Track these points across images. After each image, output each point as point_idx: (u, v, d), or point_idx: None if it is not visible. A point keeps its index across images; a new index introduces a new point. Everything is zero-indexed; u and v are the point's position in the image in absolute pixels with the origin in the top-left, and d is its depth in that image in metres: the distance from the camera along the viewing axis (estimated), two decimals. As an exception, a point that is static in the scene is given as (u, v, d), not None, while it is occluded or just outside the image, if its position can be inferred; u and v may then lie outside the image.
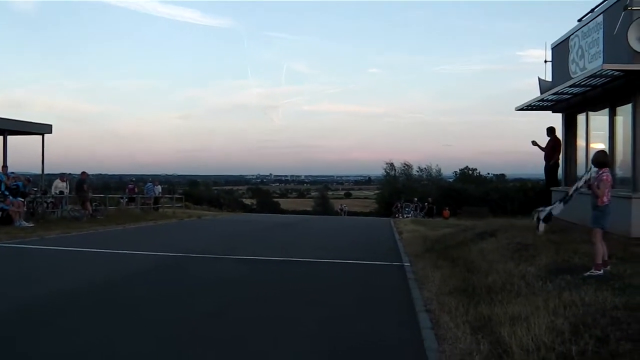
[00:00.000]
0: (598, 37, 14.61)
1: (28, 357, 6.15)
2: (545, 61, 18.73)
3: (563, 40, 17.37)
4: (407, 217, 44.22)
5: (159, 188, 37.00)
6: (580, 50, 15.90)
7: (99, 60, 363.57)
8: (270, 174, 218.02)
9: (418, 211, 47.93)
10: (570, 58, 16.61)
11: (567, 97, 16.20)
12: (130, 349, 6.48)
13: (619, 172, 14.32)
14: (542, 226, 11.23)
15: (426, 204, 49.09)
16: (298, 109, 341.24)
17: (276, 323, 7.83)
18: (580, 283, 8.68)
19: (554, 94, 15.87)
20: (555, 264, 10.41)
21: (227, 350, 6.50)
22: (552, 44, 18.53)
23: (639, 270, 9.37)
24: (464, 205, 49.94)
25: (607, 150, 13.38)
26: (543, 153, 18.05)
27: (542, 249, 11.98)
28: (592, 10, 15.29)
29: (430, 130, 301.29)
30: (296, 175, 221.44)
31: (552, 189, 18.14)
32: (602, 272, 9.25)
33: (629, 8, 12.79)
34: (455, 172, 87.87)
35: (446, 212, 46.70)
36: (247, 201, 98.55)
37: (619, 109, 14.29)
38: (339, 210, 67.34)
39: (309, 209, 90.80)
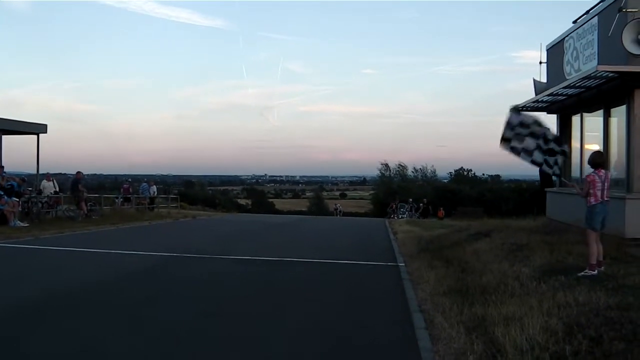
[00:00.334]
0: (593, 39, 14.66)
1: (21, 357, 6.15)
2: (540, 62, 18.80)
3: (558, 42, 17.42)
4: (402, 217, 44.23)
5: (154, 188, 36.94)
6: (575, 51, 15.95)
7: (94, 60, 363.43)
8: (265, 174, 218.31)
9: (413, 212, 47.94)
10: (565, 59, 16.66)
11: (562, 99, 16.23)
12: (124, 348, 6.48)
13: (613, 173, 14.34)
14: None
15: (421, 204, 49.10)
16: (293, 109, 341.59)
17: (270, 323, 7.83)
18: (574, 283, 8.71)
19: (548, 95, 15.90)
20: (550, 265, 10.45)
21: (221, 350, 6.51)
22: (547, 46, 18.58)
23: (632, 270, 9.42)
24: (458, 206, 49.94)
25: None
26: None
27: (537, 250, 12.02)
28: (587, 12, 15.34)
29: (425, 131, 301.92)
30: (291, 176, 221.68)
31: (546, 189, 18.19)
32: (596, 272, 9.29)
33: (624, 10, 12.84)
34: (450, 172, 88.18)
35: (440, 213, 46.74)
36: (242, 201, 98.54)
37: (614, 110, 14.33)
38: (334, 211, 67.01)
39: (304, 209, 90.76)
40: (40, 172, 28.57)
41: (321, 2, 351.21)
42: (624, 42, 12.59)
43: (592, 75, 12.90)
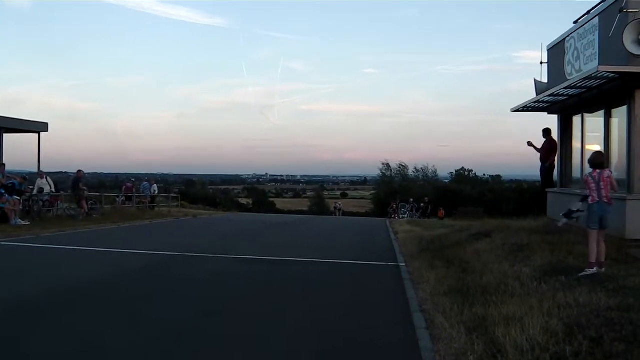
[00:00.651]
0: (594, 39, 14.65)
1: (22, 354, 6.16)
2: (542, 62, 18.76)
3: (559, 42, 17.40)
4: (403, 217, 44.24)
5: (155, 187, 36.96)
6: (576, 51, 15.93)
7: (94, 59, 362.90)
8: (266, 173, 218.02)
9: (414, 212, 47.95)
10: (566, 59, 16.64)
11: (563, 99, 16.22)
12: (124, 345, 6.50)
13: (614, 174, 14.35)
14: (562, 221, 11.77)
15: (422, 204, 49.12)
16: (294, 108, 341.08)
17: (271, 322, 7.84)
18: (575, 284, 8.72)
19: (549, 95, 15.89)
20: (550, 265, 10.45)
21: (222, 348, 6.52)
22: (548, 46, 18.56)
23: (633, 271, 9.43)
24: (459, 206, 49.96)
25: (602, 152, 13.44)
26: (539, 154, 18.12)
27: (537, 250, 12.02)
28: (588, 12, 15.32)
29: (426, 131, 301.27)
30: (292, 175, 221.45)
31: (547, 190, 18.19)
32: (595, 270, 9.32)
33: (625, 10, 12.82)
34: (451, 173, 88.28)
35: (441, 213, 46.76)
36: (243, 201, 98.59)
37: (615, 111, 14.32)
38: (334, 210, 66.53)
39: (304, 209, 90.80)
40: (42, 170, 28.59)
41: (322, 0, 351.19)
42: (624, 42, 12.58)
43: (593, 75, 12.89)
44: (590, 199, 9.72)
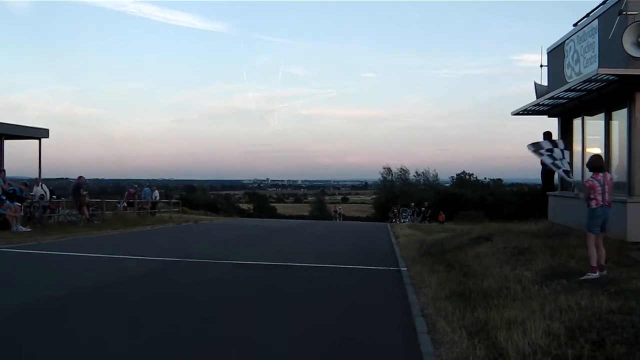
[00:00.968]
0: (593, 42, 14.66)
1: (25, 359, 6.17)
2: (541, 65, 18.78)
3: (559, 45, 17.42)
4: (404, 222, 44.23)
5: (156, 193, 37.03)
6: (575, 54, 15.95)
7: (94, 64, 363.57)
8: (267, 178, 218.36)
9: (415, 216, 47.95)
10: (566, 62, 16.66)
11: (563, 102, 16.23)
12: (125, 351, 6.49)
13: (614, 177, 14.35)
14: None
15: (422, 208, 49.13)
16: (294, 113, 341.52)
17: (272, 327, 7.84)
18: (576, 287, 8.70)
19: (549, 98, 15.90)
20: (552, 269, 10.44)
21: (222, 353, 6.51)
22: (547, 49, 18.58)
23: (634, 274, 9.40)
24: (460, 210, 49.97)
25: (602, 155, 13.43)
26: (540, 160, 18.09)
27: (538, 254, 12.01)
28: (587, 15, 15.34)
29: (426, 135, 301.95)
30: (293, 180, 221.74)
31: (548, 193, 18.19)
32: (597, 274, 9.30)
33: (624, 13, 12.83)
34: (452, 176, 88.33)
35: (441, 217, 46.78)
36: (244, 206, 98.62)
37: (615, 114, 14.32)
38: (334, 214, 66.26)
39: (305, 213, 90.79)
40: (43, 176, 28.58)
41: (321, 5, 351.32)
42: (624, 44, 12.58)
43: (592, 78, 12.90)
44: (594, 203, 9.67)
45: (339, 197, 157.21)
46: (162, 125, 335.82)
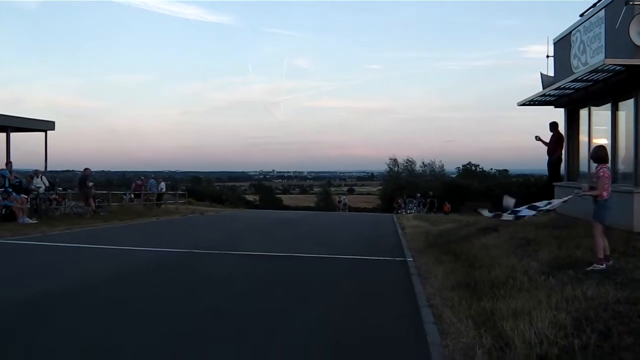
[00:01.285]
0: (600, 32, 14.60)
1: (32, 351, 6.18)
2: (548, 56, 18.74)
3: (565, 35, 17.36)
4: (410, 212, 44.21)
5: (162, 185, 37.11)
6: (582, 45, 15.89)
7: (100, 57, 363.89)
8: (273, 170, 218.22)
9: (421, 207, 47.91)
10: (572, 53, 16.60)
11: (569, 92, 16.19)
12: (134, 343, 6.52)
13: (621, 167, 14.33)
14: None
15: (428, 199, 49.09)
16: (300, 104, 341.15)
17: (279, 317, 7.86)
18: (583, 278, 8.69)
19: (556, 89, 15.86)
20: (558, 259, 10.42)
21: (231, 343, 6.54)
22: (554, 39, 18.52)
23: (641, 264, 9.39)
24: (466, 201, 49.93)
25: (609, 145, 13.42)
26: (546, 148, 18.10)
27: (545, 244, 12.00)
28: (594, 5, 15.27)
29: (432, 126, 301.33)
30: (299, 172, 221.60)
31: (554, 183, 18.16)
32: (604, 266, 9.27)
33: (631, 3, 12.77)
34: (458, 167, 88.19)
35: (447, 207, 46.75)
36: (250, 197, 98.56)
37: (621, 104, 14.28)
38: (338, 204, 65.49)
39: (311, 205, 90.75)
40: (49, 169, 28.70)
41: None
42: (631, 35, 12.54)
43: (599, 68, 12.86)
44: (606, 194, 9.59)
45: (345, 188, 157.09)
46: (168, 117, 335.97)
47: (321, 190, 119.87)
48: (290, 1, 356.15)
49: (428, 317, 7.82)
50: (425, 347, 6.47)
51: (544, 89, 17.30)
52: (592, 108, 16.27)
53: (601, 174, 9.60)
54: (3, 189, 21.53)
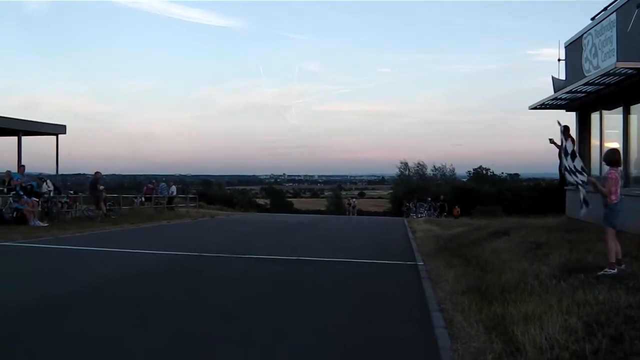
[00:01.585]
0: (611, 35, 14.56)
1: (37, 354, 6.19)
2: (559, 60, 18.70)
3: (576, 39, 17.32)
4: (420, 216, 44.17)
5: (173, 188, 37.24)
6: (593, 48, 15.84)
7: (110, 61, 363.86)
8: (284, 173, 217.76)
9: (432, 211, 47.86)
10: (584, 56, 16.55)
11: (581, 96, 16.14)
12: (142, 346, 6.51)
13: (633, 171, 14.27)
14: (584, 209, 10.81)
15: (438, 202, 49.04)
16: (311, 108, 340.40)
17: (288, 320, 7.85)
18: (594, 282, 8.63)
19: (567, 92, 15.82)
20: (569, 263, 10.37)
21: (239, 347, 6.53)
22: (565, 43, 18.48)
23: (654, 269, 9.32)
24: (477, 205, 49.79)
25: (621, 149, 13.34)
26: (557, 152, 18.03)
27: (556, 248, 11.95)
28: (605, 9, 15.24)
29: (443, 130, 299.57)
30: (309, 175, 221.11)
31: (565, 188, 18.09)
32: (616, 270, 9.21)
33: (643, 6, 12.74)
34: (468, 171, 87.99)
35: (456, 211, 46.66)
36: (261, 201, 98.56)
37: (633, 107, 14.23)
38: (347, 206, 65.16)
39: (322, 208, 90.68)
40: (60, 172, 28.81)
41: (337, 1, 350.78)
42: (643, 38, 12.51)
43: (611, 72, 12.81)
44: (615, 197, 9.54)
45: (356, 192, 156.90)
46: (179, 121, 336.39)
47: (332, 194, 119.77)
48: (301, 5, 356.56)
49: (439, 322, 7.78)
50: (436, 351, 6.43)
51: (555, 92, 17.26)
52: (604, 112, 16.22)
53: (608, 175, 9.56)
54: (14, 192, 21.65)
